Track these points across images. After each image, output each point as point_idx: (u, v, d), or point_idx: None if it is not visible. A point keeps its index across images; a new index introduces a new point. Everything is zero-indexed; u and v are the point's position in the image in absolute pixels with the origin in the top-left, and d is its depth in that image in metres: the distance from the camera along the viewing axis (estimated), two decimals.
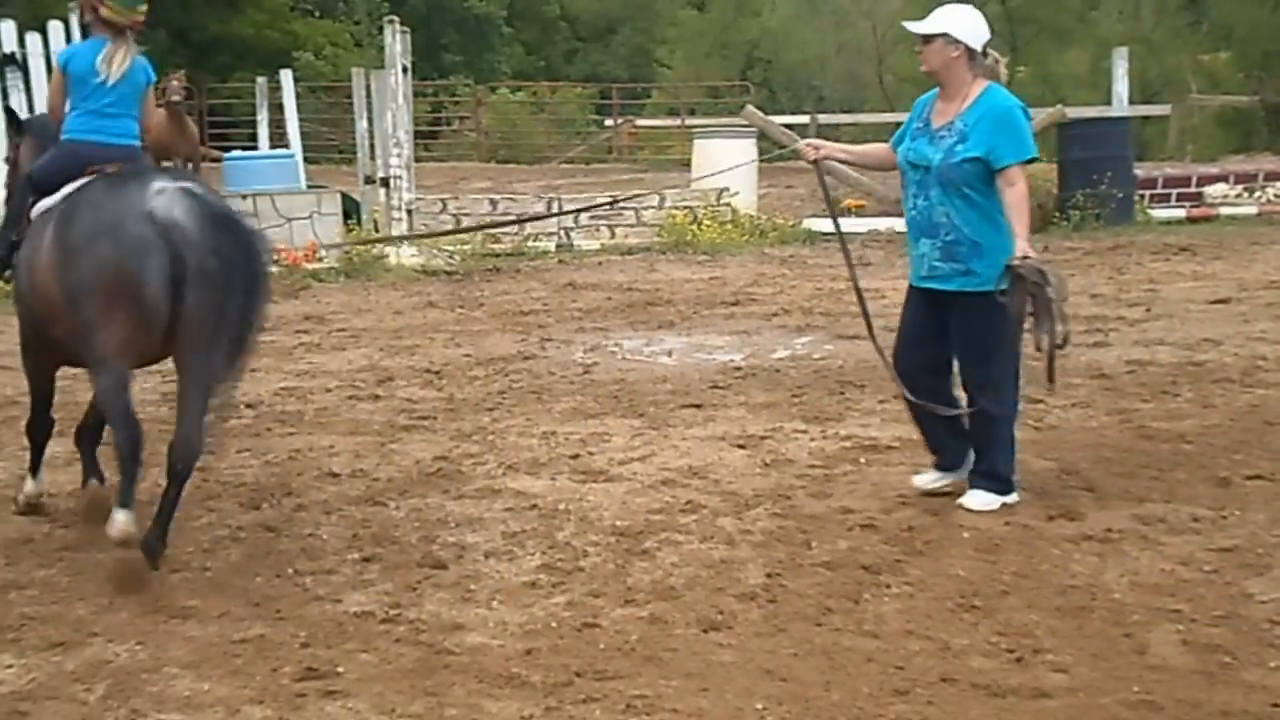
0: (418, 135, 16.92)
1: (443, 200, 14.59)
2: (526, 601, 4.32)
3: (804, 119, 21.62)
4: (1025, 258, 4.79)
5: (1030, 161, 5.08)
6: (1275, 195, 15.47)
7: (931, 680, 3.66)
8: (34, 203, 4.93)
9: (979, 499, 5.14)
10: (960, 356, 5.20)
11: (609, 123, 26.31)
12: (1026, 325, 4.87)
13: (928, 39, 5.10)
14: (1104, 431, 6.19)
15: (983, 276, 4.96)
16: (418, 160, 15.79)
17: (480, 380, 7.81)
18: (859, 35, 34.92)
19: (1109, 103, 16.12)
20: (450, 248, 12.80)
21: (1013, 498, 5.17)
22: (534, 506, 5.31)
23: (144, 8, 5.07)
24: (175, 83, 13.95)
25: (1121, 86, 16.35)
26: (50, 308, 4.59)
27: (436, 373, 8.03)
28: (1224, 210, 14.97)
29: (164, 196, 4.43)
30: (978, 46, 5.07)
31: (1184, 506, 5.05)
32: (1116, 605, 4.17)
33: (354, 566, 4.69)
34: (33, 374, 5.22)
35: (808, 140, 5.73)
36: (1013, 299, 4.79)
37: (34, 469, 5.32)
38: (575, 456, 6.06)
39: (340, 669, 3.81)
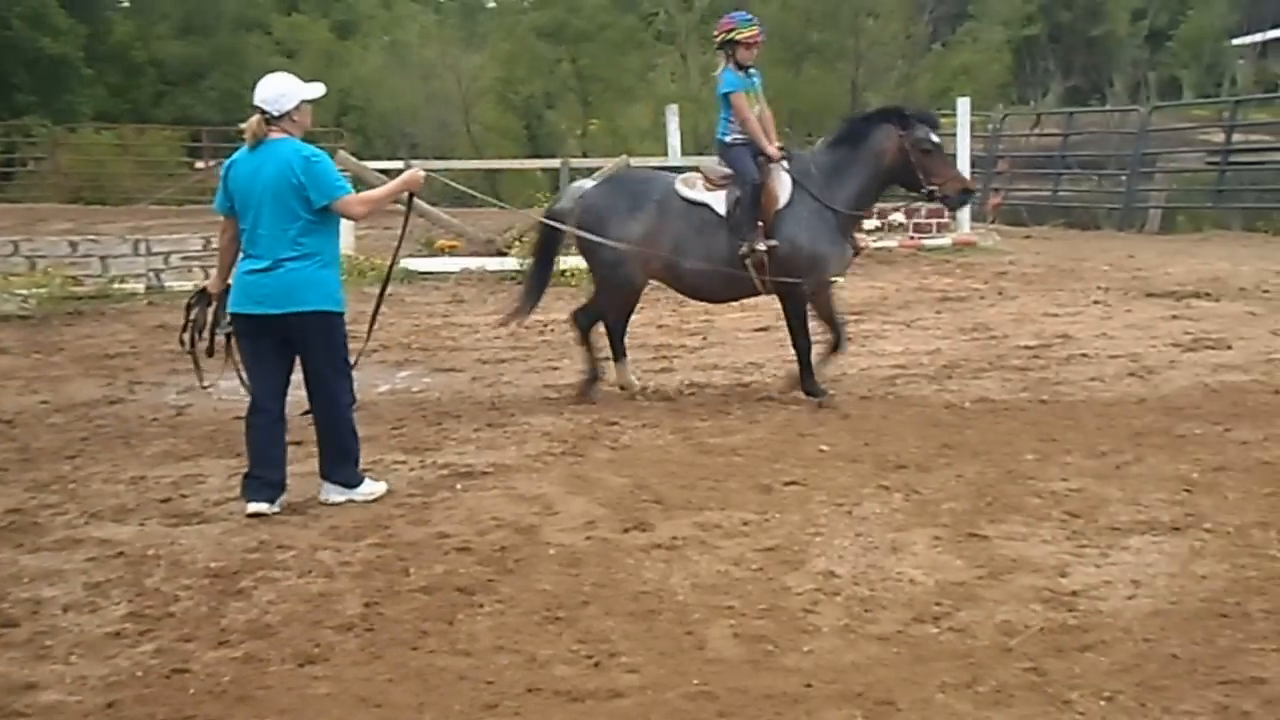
0: None
1: (14, 242, 13.25)
2: (110, 653, 3.98)
3: (399, 164, 21.44)
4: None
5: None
6: None
7: (519, 691, 3.70)
8: None
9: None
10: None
11: (200, 165, 24.97)
12: None
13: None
14: (670, 448, 6.51)
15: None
16: None
17: (60, 427, 7.13)
18: (446, 87, 35.21)
19: (666, 154, 17.05)
20: (24, 291, 11.61)
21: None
22: (120, 554, 4.90)
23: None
24: None
25: (675, 139, 17.33)
26: None
27: (9, 422, 7.24)
28: None
29: None
30: None
31: (736, 512, 5.39)
32: (680, 606, 4.39)
33: None
34: None
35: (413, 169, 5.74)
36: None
37: None
38: (167, 500, 5.65)
39: None
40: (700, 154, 23.37)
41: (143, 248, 13.32)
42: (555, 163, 17.90)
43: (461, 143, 32.97)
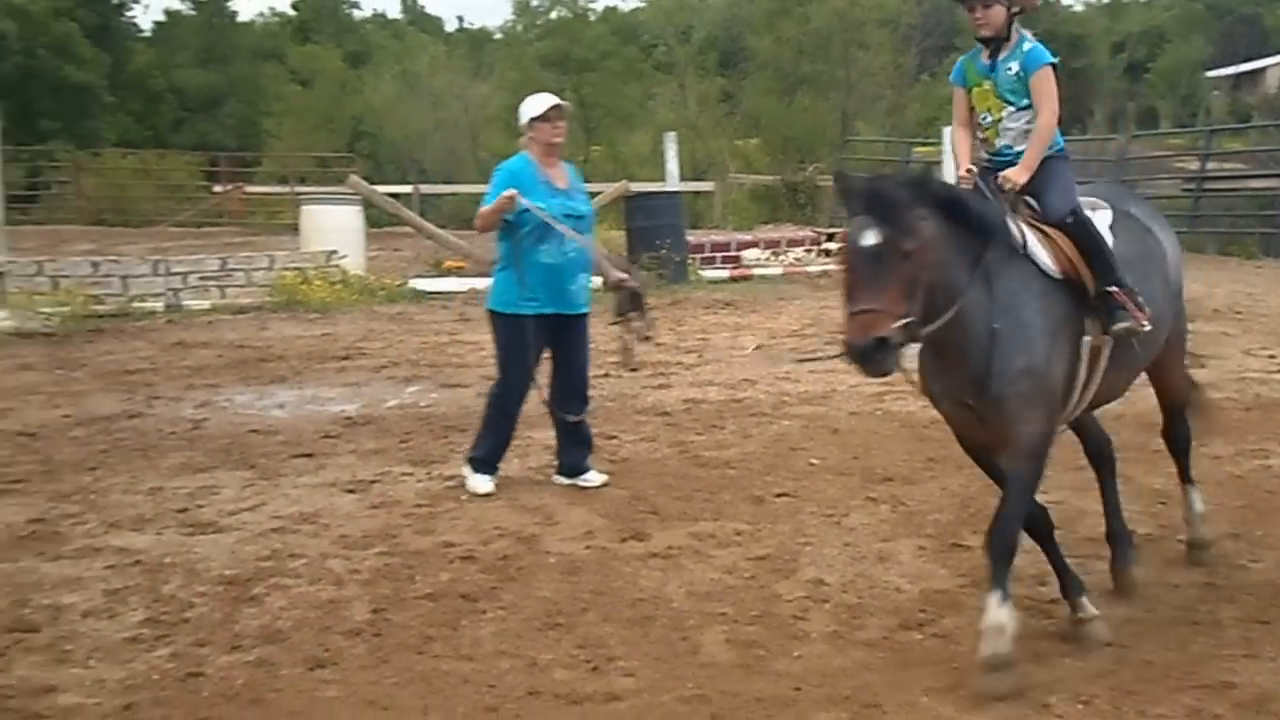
0: (13, 199, 15.33)
1: (39, 262, 13.28)
2: (127, 657, 3.99)
3: (408, 189, 21.55)
4: None
5: None
6: (795, 258, 17.03)
7: (520, 695, 3.71)
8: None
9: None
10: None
11: (217, 189, 25.06)
12: None
13: (563, 115, 5.80)
14: (666, 461, 6.53)
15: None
16: (12, 223, 14.31)
17: (81, 440, 7.13)
18: (454, 115, 35.34)
19: (663, 179, 17.07)
20: (48, 309, 11.64)
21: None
22: (138, 562, 4.90)
23: None
24: None
25: (673, 165, 17.33)
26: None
27: (32, 435, 7.25)
28: (757, 271, 16.27)
29: None
30: None
31: (729, 523, 5.41)
32: (676, 613, 4.40)
33: None
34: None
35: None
36: None
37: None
38: (183, 510, 5.66)
39: None
40: (696, 179, 23.56)
41: (162, 268, 13.35)
42: None
43: (468, 168, 33.05)
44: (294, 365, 9.74)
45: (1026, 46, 4.12)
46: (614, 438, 6.94)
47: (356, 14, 52.84)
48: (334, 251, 14.08)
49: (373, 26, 52.76)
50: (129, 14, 43.19)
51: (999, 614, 3.67)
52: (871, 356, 3.39)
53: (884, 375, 3.51)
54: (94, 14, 38.28)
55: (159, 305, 12.78)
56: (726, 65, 34.47)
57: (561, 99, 5.92)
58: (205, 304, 13.09)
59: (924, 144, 22.94)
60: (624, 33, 40.60)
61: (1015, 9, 4.11)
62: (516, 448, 6.81)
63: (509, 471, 6.30)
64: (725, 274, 15.98)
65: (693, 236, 16.79)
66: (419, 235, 15.39)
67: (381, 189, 16.62)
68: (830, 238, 17.00)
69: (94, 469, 6.43)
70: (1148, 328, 3.94)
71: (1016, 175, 4.03)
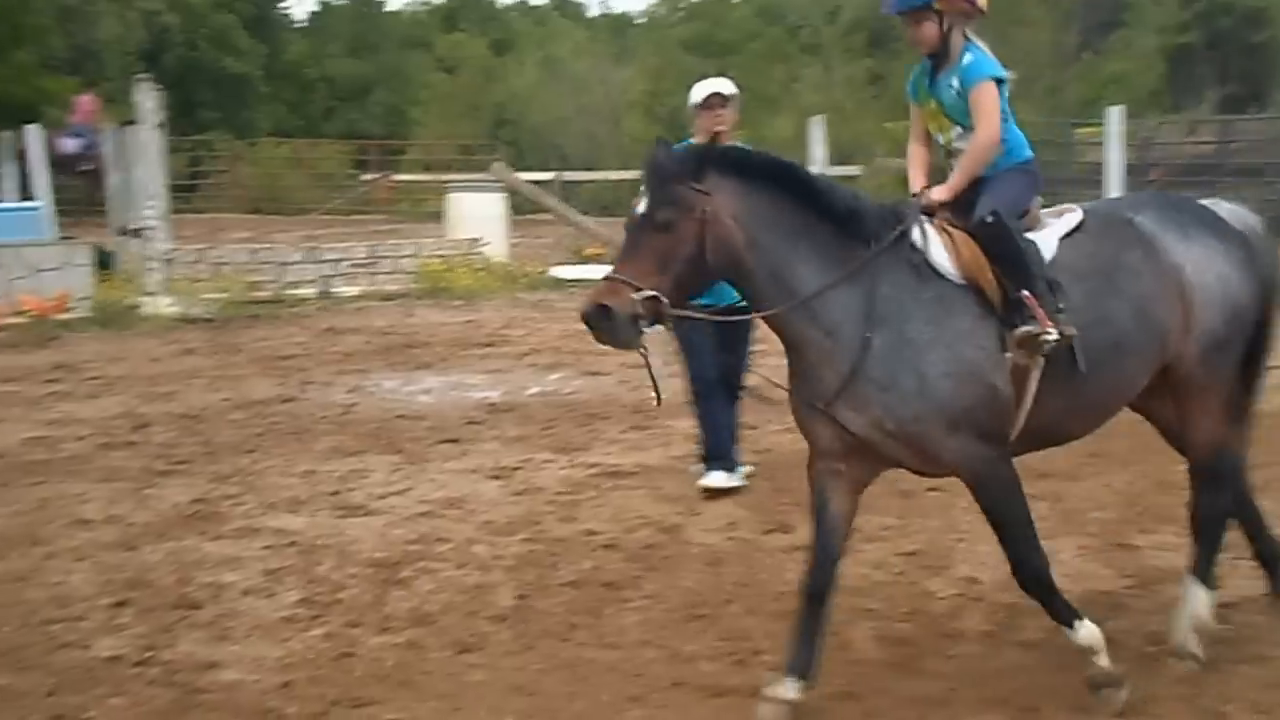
0: (176, 188, 16.10)
1: (200, 250, 13.93)
2: (284, 635, 4.15)
3: (549, 175, 21.81)
4: None
5: None
6: None
7: (664, 685, 3.72)
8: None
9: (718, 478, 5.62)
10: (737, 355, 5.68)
11: (366, 177, 25.83)
12: None
13: (725, 102, 5.41)
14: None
15: None
16: (176, 212, 15.03)
17: (239, 423, 7.46)
18: (596, 100, 35.59)
19: (810, 164, 16.99)
20: (210, 296, 12.21)
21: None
22: (293, 543, 5.11)
23: None
24: None
25: (819, 150, 17.18)
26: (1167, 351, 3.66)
27: (195, 417, 7.62)
28: None
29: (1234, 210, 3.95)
30: None
31: (876, 517, 5.29)
32: None
33: (105, 612, 4.39)
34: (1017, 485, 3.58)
35: None
36: None
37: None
38: (335, 493, 5.87)
39: (90, 714, 3.56)
40: (843, 163, 23.25)
41: (314, 256, 13.85)
42: None
43: (609, 154, 33.29)
44: (439, 352, 9.99)
45: (966, 60, 3.71)
46: (755, 428, 6.89)
47: (501, 1, 53.77)
48: (478, 239, 14.37)
49: (517, 14, 53.52)
50: (284, 5, 44.91)
51: (1083, 635, 3.52)
52: (595, 323, 3.28)
53: (617, 346, 3.36)
54: (252, 5, 39.81)
55: (311, 292, 13.27)
56: (876, 46, 33.82)
57: (726, 85, 5.55)
58: (354, 291, 13.53)
59: (1085, 125, 22.10)
60: (769, 14, 40.22)
61: (948, 24, 3.70)
62: (658, 437, 6.85)
63: (650, 460, 6.34)
64: None
65: None
66: (560, 222, 15.59)
67: (523, 176, 16.88)
68: None
69: (251, 451, 6.72)
70: (1053, 336, 3.40)
71: (938, 194, 3.70)
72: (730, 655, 3.94)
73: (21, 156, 16.24)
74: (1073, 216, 3.76)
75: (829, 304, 3.38)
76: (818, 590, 3.52)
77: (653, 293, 3.28)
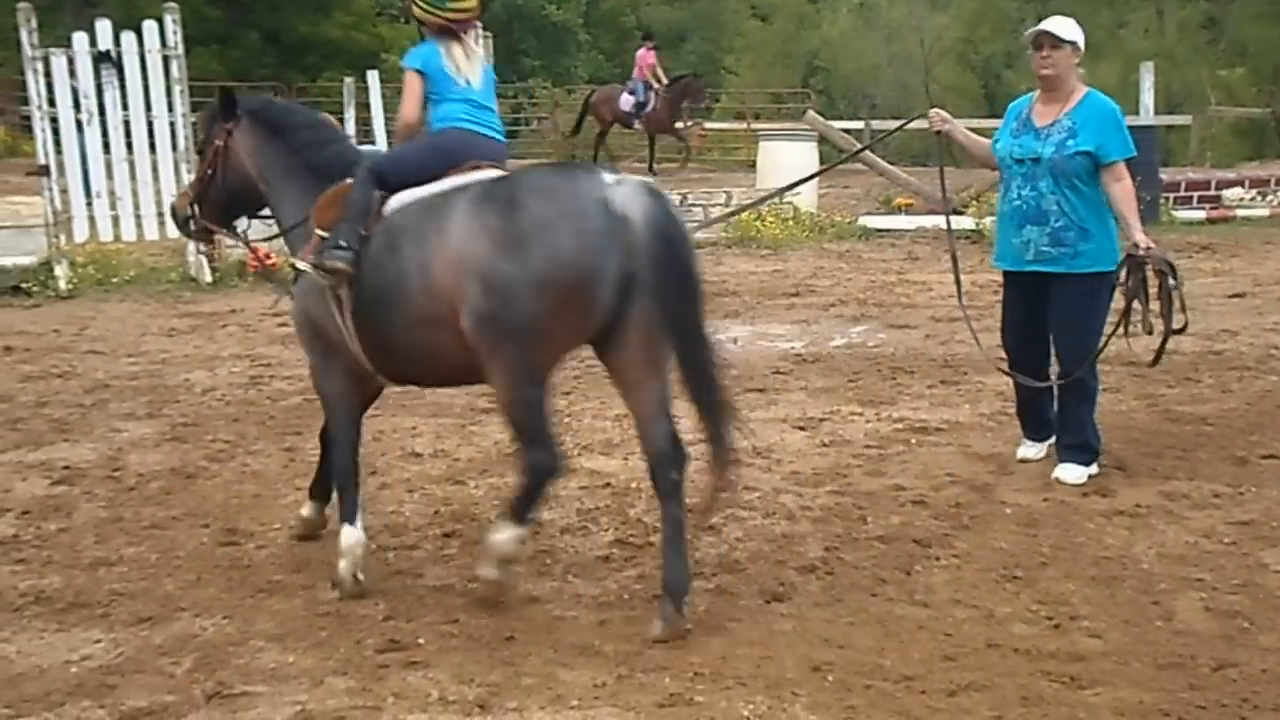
0: None
1: None
2: (600, 575, 4.25)
3: (859, 124, 21.39)
4: (1148, 248, 4.75)
5: (1131, 159, 5.03)
6: None
7: (978, 646, 3.63)
8: (383, 196, 4.03)
9: (1073, 472, 5.09)
10: (1059, 333, 5.15)
11: (679, 125, 26.29)
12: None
13: (1057, 44, 5.03)
14: (1133, 415, 6.08)
15: (1088, 258, 4.98)
16: None
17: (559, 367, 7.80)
18: (909, 48, 34.53)
19: (1137, 113, 15.79)
20: None
21: (1094, 468, 5.14)
22: (607, 485, 5.26)
23: (459, 4, 4.32)
24: None
25: (1148, 98, 16.07)
26: (441, 310, 3.73)
27: None
28: (1240, 212, 14.71)
29: (622, 189, 3.63)
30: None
31: (1205, 484, 4.97)
32: (1145, 575, 4.12)
33: (435, 542, 4.62)
34: (339, 405, 4.27)
35: (934, 110, 5.41)
36: (1130, 285, 4.76)
37: (350, 517, 4.17)
38: None
39: (421, 640, 3.71)
40: (1171, 113, 21.47)
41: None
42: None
43: (921, 103, 32.23)
44: (746, 301, 10.06)
45: None
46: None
47: None
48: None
49: None
50: None
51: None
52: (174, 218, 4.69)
53: (185, 237, 4.81)
54: None
55: None
56: None
57: (1060, 25, 5.11)
58: None
59: None
60: None
61: None
62: (966, 393, 6.63)
63: (958, 417, 6.15)
64: (1201, 215, 14.55)
65: (1165, 174, 15.38)
66: (870, 172, 15.26)
67: (835, 124, 16.62)
68: None
69: (568, 394, 7.02)
70: (304, 267, 4.07)
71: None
72: (1048, 620, 3.80)
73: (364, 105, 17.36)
74: (452, 181, 3.97)
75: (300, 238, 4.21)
76: None
77: (191, 199, 4.50)
